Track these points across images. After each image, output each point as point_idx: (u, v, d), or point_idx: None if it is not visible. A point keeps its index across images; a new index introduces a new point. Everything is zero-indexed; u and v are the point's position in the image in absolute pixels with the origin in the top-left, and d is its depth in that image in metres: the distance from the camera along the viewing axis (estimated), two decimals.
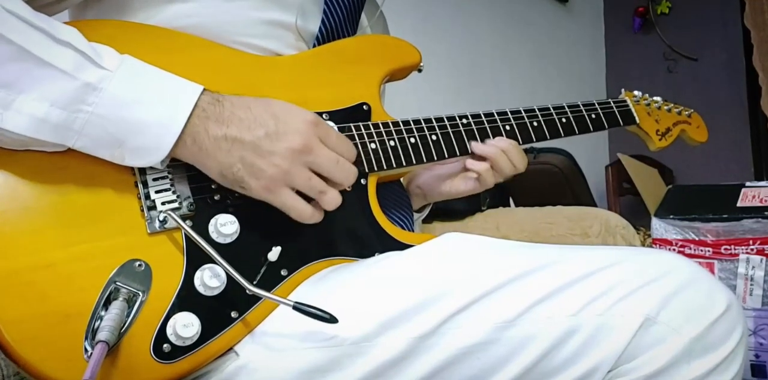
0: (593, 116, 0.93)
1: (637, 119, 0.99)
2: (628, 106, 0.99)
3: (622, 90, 1.04)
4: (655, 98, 1.06)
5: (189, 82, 0.61)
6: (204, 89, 0.60)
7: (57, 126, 0.55)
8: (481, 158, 0.83)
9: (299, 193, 0.62)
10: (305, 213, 0.62)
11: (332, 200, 0.64)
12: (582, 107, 0.92)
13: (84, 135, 0.56)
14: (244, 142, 0.59)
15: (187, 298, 0.59)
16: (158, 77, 0.60)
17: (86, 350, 0.53)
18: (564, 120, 0.90)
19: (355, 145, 0.74)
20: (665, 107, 1.06)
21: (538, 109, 0.89)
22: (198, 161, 0.60)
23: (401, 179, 0.89)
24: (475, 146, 0.82)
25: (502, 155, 0.83)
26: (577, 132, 0.91)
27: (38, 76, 0.54)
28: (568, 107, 0.91)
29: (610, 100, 0.98)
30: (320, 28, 0.78)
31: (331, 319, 0.56)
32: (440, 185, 0.88)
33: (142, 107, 0.57)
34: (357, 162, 0.73)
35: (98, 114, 0.56)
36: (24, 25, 0.54)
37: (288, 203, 0.62)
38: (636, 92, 1.04)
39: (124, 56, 0.59)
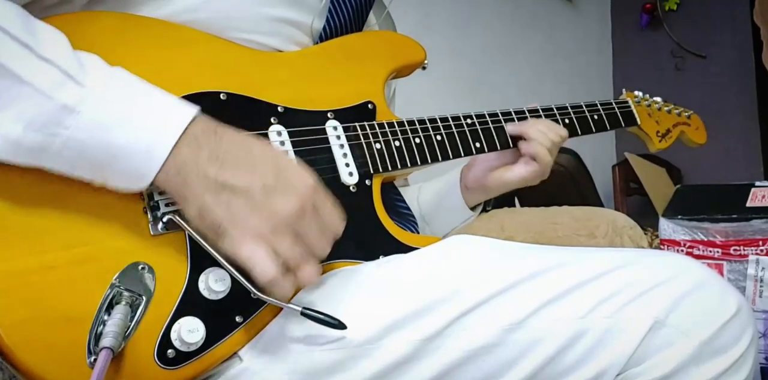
0: (595, 116, 0.93)
1: (638, 120, 1.00)
2: (629, 107, 0.99)
3: (623, 90, 1.04)
4: (655, 99, 1.06)
5: (182, 103, 0.56)
6: (198, 115, 0.55)
7: (32, 149, 0.52)
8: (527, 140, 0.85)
9: None
10: (269, 272, 0.54)
11: (311, 275, 0.57)
12: (585, 108, 0.93)
13: (61, 158, 0.53)
14: (236, 189, 0.54)
15: (192, 302, 0.58)
16: (145, 97, 0.55)
17: (89, 354, 0.53)
18: (567, 121, 0.90)
19: (360, 145, 0.73)
20: (665, 108, 1.06)
21: (542, 109, 0.89)
22: (177, 194, 0.55)
23: (458, 177, 0.91)
24: (511, 127, 0.85)
25: (538, 130, 0.84)
26: (579, 133, 0.92)
27: (14, 95, 0.50)
28: (571, 107, 0.91)
29: (611, 100, 0.98)
30: (325, 25, 0.77)
31: (339, 325, 0.55)
32: (501, 174, 0.88)
33: (123, 132, 0.52)
34: (362, 163, 0.72)
35: (75, 138, 0.51)
36: (5, 38, 0.51)
37: (257, 256, 0.54)
38: (637, 92, 1.05)
39: (114, 70, 0.55)
